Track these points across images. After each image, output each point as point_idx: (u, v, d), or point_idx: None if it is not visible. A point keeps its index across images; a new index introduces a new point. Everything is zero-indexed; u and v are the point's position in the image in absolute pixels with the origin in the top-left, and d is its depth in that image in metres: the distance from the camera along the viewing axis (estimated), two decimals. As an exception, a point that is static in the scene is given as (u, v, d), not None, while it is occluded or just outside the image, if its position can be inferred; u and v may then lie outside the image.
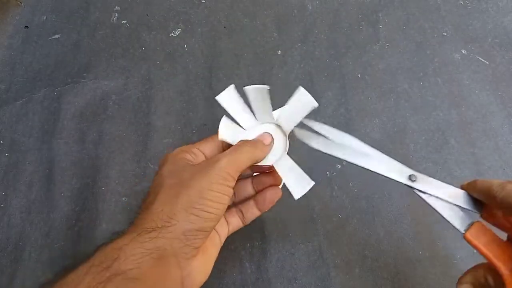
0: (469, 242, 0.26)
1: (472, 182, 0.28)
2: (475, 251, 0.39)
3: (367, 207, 0.42)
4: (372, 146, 0.46)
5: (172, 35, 0.53)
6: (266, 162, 0.32)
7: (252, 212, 0.33)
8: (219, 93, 0.33)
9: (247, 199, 0.34)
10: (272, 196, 0.33)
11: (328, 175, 0.44)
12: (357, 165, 0.31)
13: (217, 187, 0.26)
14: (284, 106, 0.33)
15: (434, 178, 0.30)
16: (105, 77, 0.50)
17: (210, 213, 0.26)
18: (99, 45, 0.52)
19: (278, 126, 0.34)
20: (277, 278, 0.39)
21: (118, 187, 0.43)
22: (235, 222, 0.33)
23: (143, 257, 0.24)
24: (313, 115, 0.46)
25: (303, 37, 0.53)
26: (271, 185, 0.34)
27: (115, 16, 0.54)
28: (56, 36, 0.52)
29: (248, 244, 0.40)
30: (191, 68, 0.50)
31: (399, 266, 0.39)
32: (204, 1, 0.55)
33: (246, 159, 0.29)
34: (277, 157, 0.32)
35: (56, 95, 0.48)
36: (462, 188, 0.29)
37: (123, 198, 0.43)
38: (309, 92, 0.49)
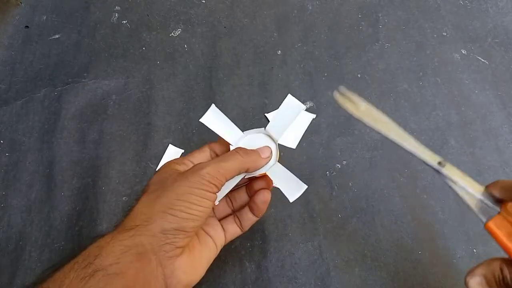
0: (490, 231, 0.26)
1: (495, 182, 0.29)
2: (475, 250, 0.40)
3: (367, 207, 0.42)
4: (373, 146, 0.46)
5: (172, 35, 0.53)
6: (258, 172, 0.33)
7: (248, 218, 0.34)
8: (206, 111, 0.34)
9: (243, 206, 0.35)
10: (260, 199, 0.33)
11: (328, 175, 0.44)
12: (395, 142, 0.31)
13: (197, 191, 0.27)
14: (274, 114, 0.34)
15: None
16: (105, 77, 0.50)
17: (189, 213, 0.27)
18: (99, 45, 0.52)
19: (267, 135, 0.35)
20: (277, 278, 0.39)
21: (118, 187, 0.43)
22: (233, 229, 0.34)
23: (123, 253, 0.25)
24: (314, 114, 0.47)
25: (303, 37, 0.53)
26: (261, 189, 0.34)
27: (115, 16, 0.54)
28: (56, 36, 0.52)
29: (248, 244, 0.40)
30: (191, 68, 0.50)
31: (399, 266, 0.39)
32: (204, 1, 0.55)
33: (232, 168, 0.30)
34: (270, 166, 0.34)
35: (57, 95, 0.48)
36: (485, 187, 0.29)
37: (124, 198, 0.43)
38: (308, 91, 0.49)
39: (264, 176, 0.34)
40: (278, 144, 0.35)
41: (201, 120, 0.34)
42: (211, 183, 0.28)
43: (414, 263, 0.39)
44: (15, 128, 0.46)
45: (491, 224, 0.26)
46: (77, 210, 0.42)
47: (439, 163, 0.30)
